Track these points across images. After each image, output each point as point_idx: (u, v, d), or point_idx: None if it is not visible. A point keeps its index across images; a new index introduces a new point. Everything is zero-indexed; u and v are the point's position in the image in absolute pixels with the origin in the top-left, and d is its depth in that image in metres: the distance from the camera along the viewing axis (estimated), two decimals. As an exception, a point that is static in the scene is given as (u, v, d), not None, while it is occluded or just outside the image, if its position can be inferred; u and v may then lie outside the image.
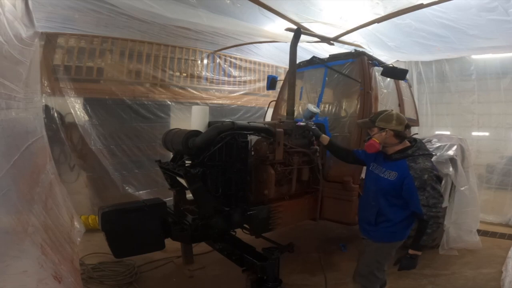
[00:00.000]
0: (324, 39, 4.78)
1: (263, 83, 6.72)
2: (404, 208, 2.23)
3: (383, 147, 2.31)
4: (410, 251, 2.18)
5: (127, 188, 5.00)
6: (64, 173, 4.56)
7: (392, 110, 2.39)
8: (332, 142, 2.78)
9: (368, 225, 2.40)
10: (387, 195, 2.25)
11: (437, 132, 6.03)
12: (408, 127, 2.31)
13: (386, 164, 2.31)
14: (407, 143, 2.30)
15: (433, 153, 2.28)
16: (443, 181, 2.15)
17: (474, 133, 6.11)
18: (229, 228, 2.73)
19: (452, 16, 3.77)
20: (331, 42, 4.89)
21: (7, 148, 2.07)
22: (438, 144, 4.12)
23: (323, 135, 2.79)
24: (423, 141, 4.35)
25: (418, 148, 2.23)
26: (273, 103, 4.53)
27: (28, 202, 2.25)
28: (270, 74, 6.35)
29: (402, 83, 4.26)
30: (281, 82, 4.61)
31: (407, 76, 3.69)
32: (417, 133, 2.74)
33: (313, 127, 2.73)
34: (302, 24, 4.16)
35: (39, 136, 3.46)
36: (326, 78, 3.85)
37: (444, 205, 3.93)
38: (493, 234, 4.77)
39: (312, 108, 2.73)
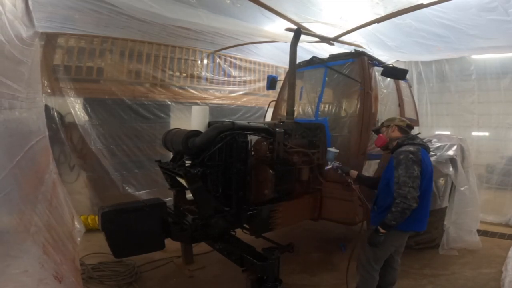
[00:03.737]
0: (324, 39, 4.78)
1: (263, 83, 6.71)
2: (389, 195, 2.37)
3: (390, 141, 2.62)
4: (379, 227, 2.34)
5: (127, 188, 5.00)
6: (64, 173, 4.55)
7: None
8: (361, 175, 2.99)
9: (371, 212, 2.62)
10: (383, 182, 2.51)
11: (437, 132, 6.03)
12: (410, 127, 2.67)
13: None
14: None
15: (424, 144, 2.50)
16: (424, 169, 2.33)
17: (474, 133, 6.10)
18: (229, 228, 2.74)
19: (452, 16, 3.76)
20: (331, 42, 4.89)
21: (10, 148, 2.07)
22: (438, 144, 4.12)
23: (352, 170, 2.97)
24: (423, 141, 4.42)
25: (408, 138, 2.51)
26: (273, 103, 4.53)
27: (31, 202, 2.25)
28: (270, 74, 6.35)
29: (402, 83, 4.26)
30: (281, 82, 4.61)
31: (407, 76, 3.69)
32: (419, 133, 2.94)
33: (340, 166, 2.97)
34: (302, 24, 4.15)
35: (42, 135, 3.47)
36: (326, 78, 3.85)
37: (444, 205, 3.95)
38: (493, 234, 4.77)
39: (333, 150, 3.07)
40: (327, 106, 4.01)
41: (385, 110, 3.75)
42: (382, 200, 2.48)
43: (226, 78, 6.45)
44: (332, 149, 3.06)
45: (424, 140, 2.60)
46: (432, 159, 3.86)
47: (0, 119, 1.92)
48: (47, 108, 4.35)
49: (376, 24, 4.09)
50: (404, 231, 2.45)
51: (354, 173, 2.94)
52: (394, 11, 3.67)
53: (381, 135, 2.71)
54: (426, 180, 2.34)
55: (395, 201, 2.22)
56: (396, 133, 2.63)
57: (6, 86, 2.06)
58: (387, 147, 2.68)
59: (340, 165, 2.97)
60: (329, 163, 3.02)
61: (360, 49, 4.30)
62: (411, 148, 2.35)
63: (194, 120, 2.81)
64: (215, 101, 6.19)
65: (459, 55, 5.94)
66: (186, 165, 2.57)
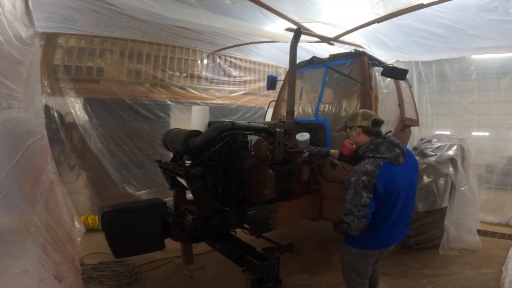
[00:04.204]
0: (324, 39, 4.78)
1: (263, 83, 6.72)
2: None
3: (358, 147, 2.20)
4: None
5: (127, 188, 5.00)
6: (64, 173, 4.55)
7: (361, 109, 2.39)
8: (342, 152, 2.61)
9: None
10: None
11: (437, 132, 6.03)
12: (377, 123, 2.18)
13: None
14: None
15: (388, 157, 2.03)
16: (377, 190, 1.96)
17: (474, 133, 6.10)
18: (229, 228, 2.74)
19: (452, 16, 3.76)
20: (331, 42, 4.89)
21: (10, 148, 2.07)
22: (438, 144, 4.12)
23: (331, 150, 2.78)
24: (423, 141, 4.42)
25: (369, 150, 2.09)
26: (273, 103, 4.53)
27: (30, 202, 2.25)
28: (270, 74, 6.35)
29: (402, 83, 4.26)
30: (281, 82, 4.61)
31: (407, 76, 3.69)
32: (390, 131, 2.61)
33: (317, 150, 2.79)
34: (302, 24, 4.15)
35: (40, 136, 3.47)
36: (326, 78, 3.84)
37: (444, 205, 3.95)
38: (493, 234, 4.77)
39: (300, 138, 2.80)
40: (327, 106, 4.01)
41: (385, 110, 3.75)
42: None
43: (226, 78, 6.45)
44: (300, 137, 2.78)
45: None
46: (432, 159, 3.90)
47: (0, 119, 1.92)
48: (47, 108, 4.36)
49: (376, 24, 4.09)
50: (363, 249, 2.19)
51: (334, 152, 2.72)
52: (394, 11, 3.67)
53: (345, 141, 2.26)
54: (393, 199, 2.02)
55: (342, 224, 2.02)
56: (362, 137, 2.17)
57: (4, 86, 2.06)
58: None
59: (317, 149, 2.77)
60: (304, 151, 2.83)
61: (360, 49, 4.30)
62: (368, 166, 1.98)
63: (194, 120, 2.82)
64: (215, 101, 6.19)
65: (459, 55, 5.94)
66: (186, 165, 2.57)
